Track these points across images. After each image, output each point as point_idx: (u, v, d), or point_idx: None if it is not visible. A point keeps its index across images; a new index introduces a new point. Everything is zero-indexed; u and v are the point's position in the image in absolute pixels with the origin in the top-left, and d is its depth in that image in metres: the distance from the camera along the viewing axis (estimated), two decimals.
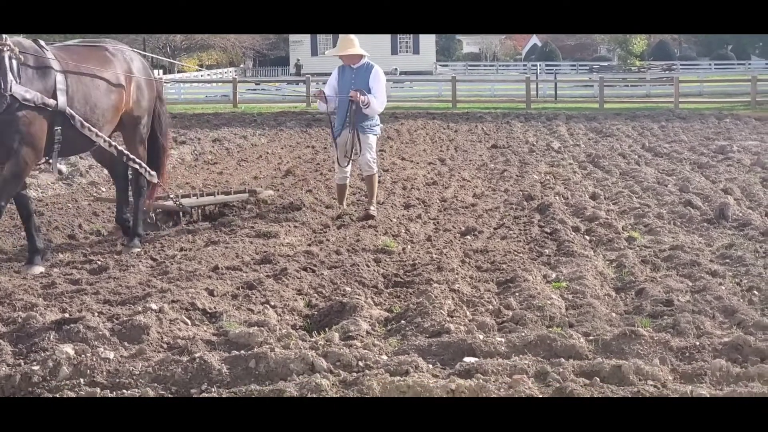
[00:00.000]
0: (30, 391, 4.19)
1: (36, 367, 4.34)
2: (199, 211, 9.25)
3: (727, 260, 7.16)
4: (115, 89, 7.60)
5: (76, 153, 8.25)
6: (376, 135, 9.63)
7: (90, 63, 7.43)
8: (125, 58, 7.82)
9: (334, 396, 3.92)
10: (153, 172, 8.12)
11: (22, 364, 4.52)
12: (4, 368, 4.43)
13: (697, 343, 4.76)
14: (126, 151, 7.81)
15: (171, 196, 8.76)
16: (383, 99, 9.40)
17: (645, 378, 4.14)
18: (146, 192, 8.23)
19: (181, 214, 9.04)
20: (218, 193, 9.73)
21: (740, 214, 9.05)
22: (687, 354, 4.65)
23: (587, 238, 8.28)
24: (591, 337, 4.87)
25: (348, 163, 9.52)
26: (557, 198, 10.52)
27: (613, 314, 5.68)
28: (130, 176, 8.24)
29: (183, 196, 9.31)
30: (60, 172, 8.75)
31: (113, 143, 7.59)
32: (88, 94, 7.32)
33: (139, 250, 7.79)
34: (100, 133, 7.35)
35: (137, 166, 7.95)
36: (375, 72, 9.29)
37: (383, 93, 9.38)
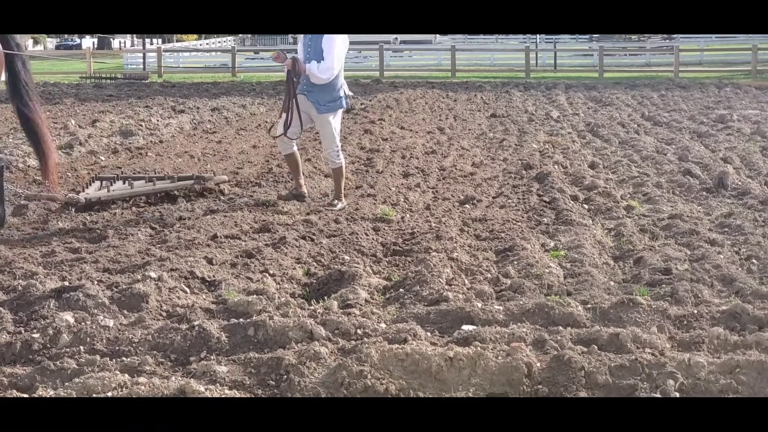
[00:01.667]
0: (30, 358, 4.21)
1: (36, 335, 4.35)
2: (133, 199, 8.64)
3: (726, 229, 7.16)
4: None
5: None
6: (336, 112, 8.26)
7: None
8: None
9: (332, 364, 3.93)
10: None
11: (23, 331, 4.53)
12: (4, 336, 4.45)
13: (695, 312, 4.77)
14: None
15: (66, 194, 8.28)
16: (330, 64, 7.99)
17: (643, 346, 4.15)
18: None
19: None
20: (157, 180, 8.88)
21: (739, 183, 9.04)
22: (685, 322, 4.67)
23: (586, 206, 8.28)
24: (589, 306, 4.88)
25: (280, 134, 8.20)
26: (556, 167, 10.50)
27: (612, 283, 5.69)
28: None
29: (122, 179, 8.97)
30: None
31: None
32: None
33: None
34: None
35: None
36: (328, 35, 7.97)
37: (332, 58, 7.99)
